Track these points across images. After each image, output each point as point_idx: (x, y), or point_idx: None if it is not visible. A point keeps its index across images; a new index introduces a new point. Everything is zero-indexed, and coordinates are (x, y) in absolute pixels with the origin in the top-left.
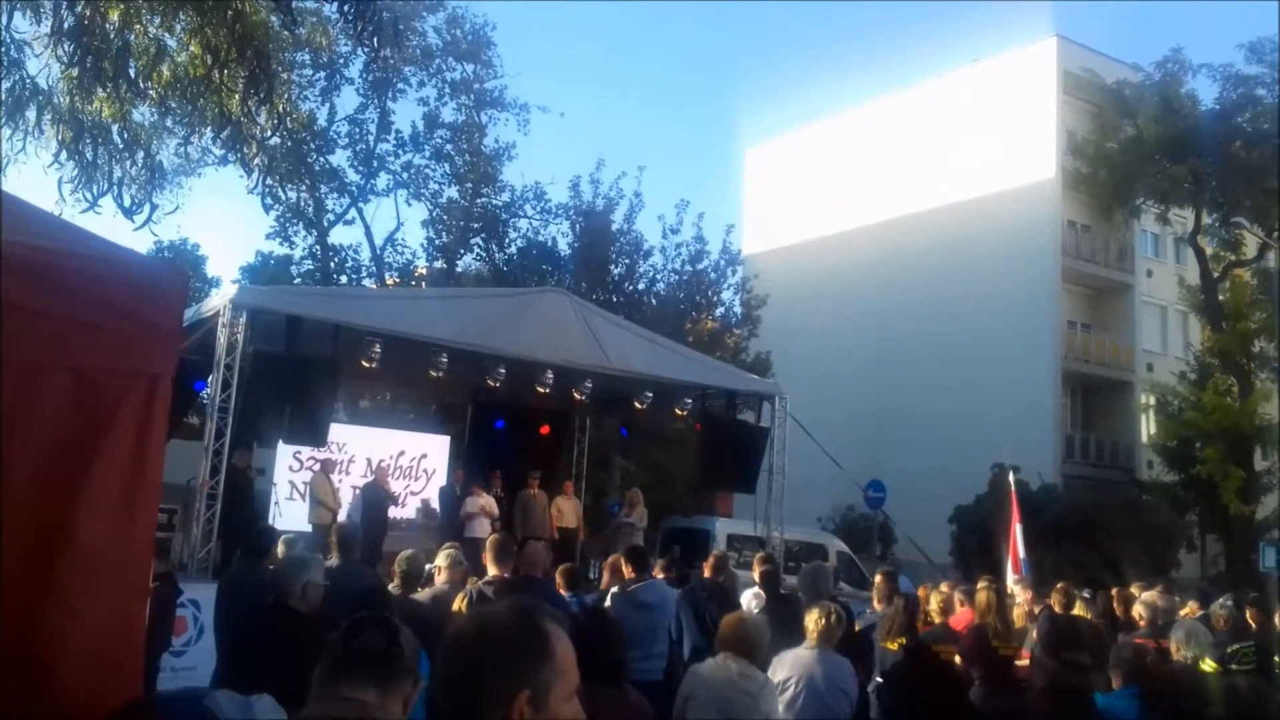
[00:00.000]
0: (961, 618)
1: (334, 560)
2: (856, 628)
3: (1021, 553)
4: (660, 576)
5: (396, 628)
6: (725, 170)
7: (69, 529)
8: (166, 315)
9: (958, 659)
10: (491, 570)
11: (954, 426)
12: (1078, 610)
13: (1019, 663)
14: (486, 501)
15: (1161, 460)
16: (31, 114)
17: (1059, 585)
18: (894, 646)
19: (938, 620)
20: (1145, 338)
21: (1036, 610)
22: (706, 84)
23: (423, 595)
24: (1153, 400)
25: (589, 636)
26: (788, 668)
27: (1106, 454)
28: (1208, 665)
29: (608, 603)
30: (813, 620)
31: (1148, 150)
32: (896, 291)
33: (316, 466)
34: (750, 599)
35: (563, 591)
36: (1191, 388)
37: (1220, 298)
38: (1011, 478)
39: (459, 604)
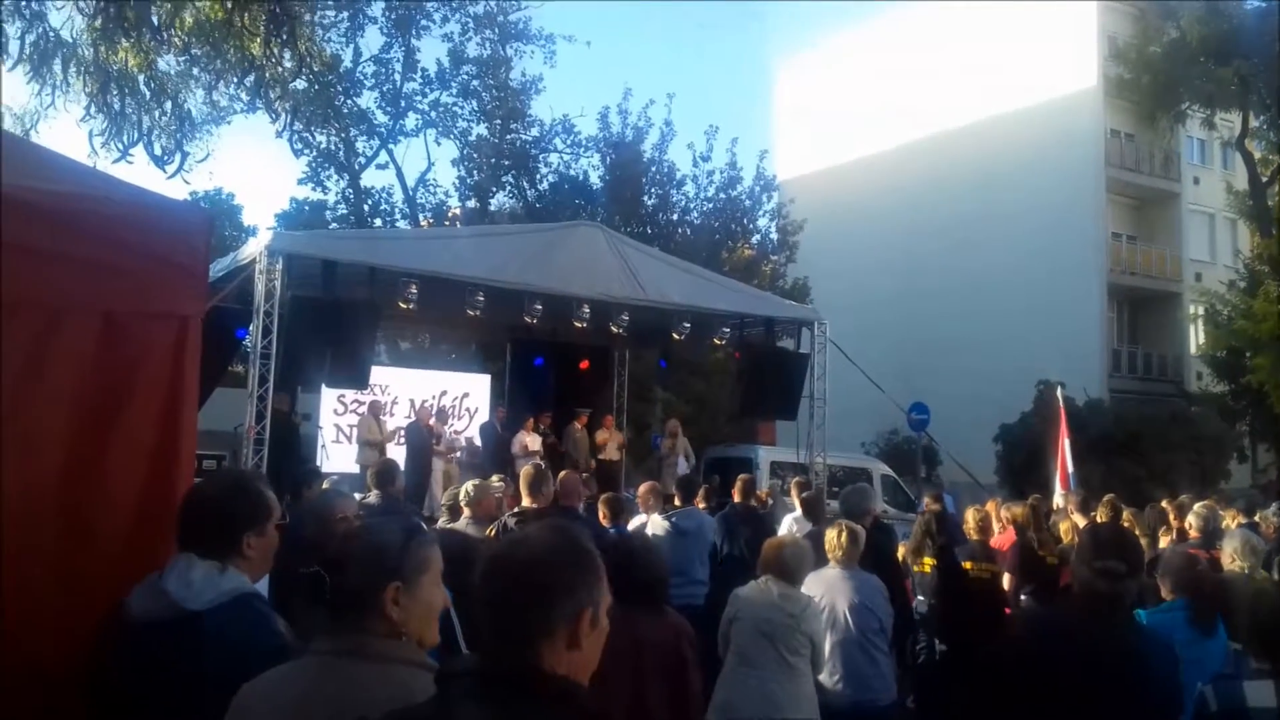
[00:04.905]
0: (1006, 537)
1: (373, 497)
2: (901, 550)
3: (1070, 468)
4: (700, 505)
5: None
6: (758, 95)
7: (102, 472)
8: (192, 256)
9: (1006, 576)
10: (525, 501)
11: (998, 346)
12: (1125, 522)
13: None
14: (532, 440)
15: (1210, 371)
16: (58, 67)
17: (1105, 498)
18: (923, 568)
19: (975, 538)
20: (1192, 247)
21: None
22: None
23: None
24: (1201, 310)
25: (627, 558)
26: (813, 587)
27: (1154, 367)
28: (1260, 575)
29: (648, 530)
30: (829, 541)
31: (1192, 52)
32: (934, 210)
33: (364, 409)
34: (791, 523)
35: (605, 522)
36: (1241, 296)
37: (1269, 202)
38: (1059, 393)
39: (490, 533)
